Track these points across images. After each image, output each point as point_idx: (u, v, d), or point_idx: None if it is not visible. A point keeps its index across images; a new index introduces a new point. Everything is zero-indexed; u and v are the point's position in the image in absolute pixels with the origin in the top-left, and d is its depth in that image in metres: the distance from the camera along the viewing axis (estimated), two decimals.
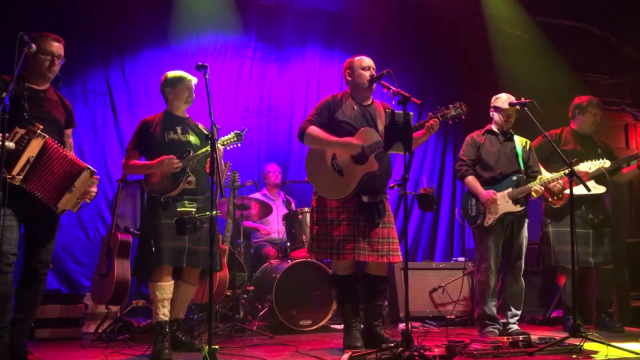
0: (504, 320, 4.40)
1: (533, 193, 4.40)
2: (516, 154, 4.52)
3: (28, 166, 3.24)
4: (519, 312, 4.46)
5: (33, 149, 3.26)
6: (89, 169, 3.45)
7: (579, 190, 4.31)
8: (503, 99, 4.55)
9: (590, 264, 4.77)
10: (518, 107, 4.46)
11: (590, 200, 4.75)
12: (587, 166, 4.54)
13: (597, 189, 4.73)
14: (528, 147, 4.62)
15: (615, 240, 4.93)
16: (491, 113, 4.65)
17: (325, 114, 3.96)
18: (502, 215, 4.39)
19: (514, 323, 4.40)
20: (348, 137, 3.84)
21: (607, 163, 4.59)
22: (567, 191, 4.28)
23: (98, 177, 3.54)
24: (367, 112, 3.98)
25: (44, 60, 3.47)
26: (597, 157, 4.69)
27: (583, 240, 4.75)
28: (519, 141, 4.60)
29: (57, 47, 3.53)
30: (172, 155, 3.82)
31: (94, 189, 3.54)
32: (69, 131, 3.68)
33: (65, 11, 5.80)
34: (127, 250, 4.66)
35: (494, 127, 4.63)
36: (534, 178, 4.48)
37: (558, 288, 5.00)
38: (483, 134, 4.63)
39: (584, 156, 4.69)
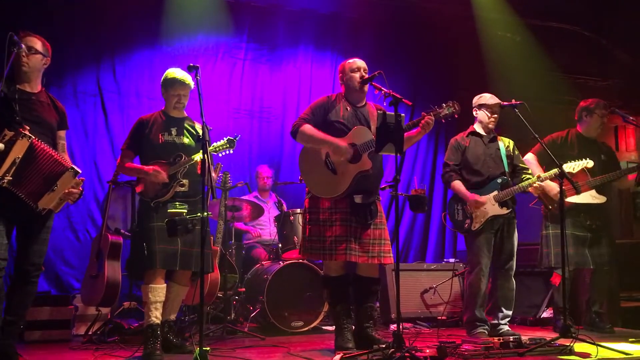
0: (495, 322, 4.41)
1: (532, 190, 4.42)
2: (501, 155, 4.53)
3: (14, 167, 3.22)
4: (510, 313, 4.48)
5: (19, 150, 3.23)
6: (72, 169, 3.41)
7: (580, 199, 4.42)
8: (487, 97, 4.58)
9: (589, 265, 4.79)
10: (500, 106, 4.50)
11: (588, 208, 4.76)
12: (570, 166, 4.54)
13: (598, 198, 4.75)
14: (512, 147, 4.64)
15: (613, 244, 4.96)
16: (474, 113, 4.64)
17: (321, 112, 3.96)
18: (489, 219, 4.39)
19: (505, 324, 4.41)
20: (341, 139, 3.84)
21: (590, 163, 4.58)
22: (568, 199, 4.36)
23: (83, 178, 3.50)
24: (360, 113, 3.99)
25: (17, 54, 3.40)
26: (600, 165, 4.71)
27: (581, 243, 4.77)
28: (503, 142, 4.61)
29: (25, 39, 3.44)
30: (162, 170, 3.81)
31: (77, 190, 3.48)
32: (61, 133, 3.65)
33: (56, 12, 5.77)
34: (118, 251, 4.63)
35: (477, 128, 4.62)
36: (522, 175, 4.50)
37: (549, 288, 5.02)
38: (467, 136, 4.62)
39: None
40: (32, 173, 3.29)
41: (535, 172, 4.76)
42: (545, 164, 4.86)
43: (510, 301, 4.47)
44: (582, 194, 4.26)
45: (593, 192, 4.70)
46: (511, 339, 3.70)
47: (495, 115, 4.56)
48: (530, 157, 4.90)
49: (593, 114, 4.97)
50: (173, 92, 3.99)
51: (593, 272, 4.88)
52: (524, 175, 4.53)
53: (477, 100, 4.64)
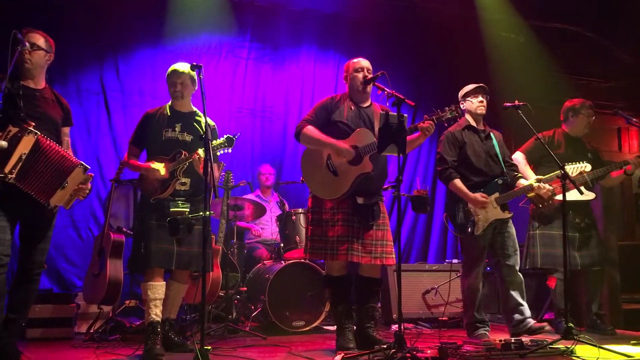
0: (521, 317, 4.24)
1: (530, 194, 4.38)
2: (496, 152, 4.45)
3: (20, 163, 3.22)
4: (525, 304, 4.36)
5: (25, 146, 3.23)
6: (82, 165, 3.42)
7: (570, 196, 4.33)
8: (469, 86, 4.54)
9: (577, 266, 4.79)
10: (483, 94, 4.48)
11: (576, 205, 4.76)
12: (568, 169, 4.49)
13: (587, 195, 4.75)
14: (502, 141, 4.58)
15: (602, 243, 4.96)
16: (462, 106, 4.49)
17: (323, 114, 3.97)
18: (491, 223, 4.31)
19: (530, 317, 4.26)
20: (342, 142, 3.84)
21: (587, 167, 4.58)
22: (558, 197, 4.29)
23: (92, 174, 3.52)
24: (364, 114, 3.99)
25: (21, 52, 3.40)
26: (586, 161, 4.71)
27: (569, 244, 4.76)
28: (495, 137, 4.54)
29: (28, 35, 3.44)
30: (158, 169, 3.80)
31: (88, 186, 3.50)
32: (66, 130, 3.66)
33: (59, 11, 5.78)
34: (120, 250, 4.64)
35: (469, 120, 4.51)
36: (514, 173, 4.44)
37: (549, 290, 5.02)
38: (463, 130, 4.46)
39: (574, 160, 4.69)
40: (40, 169, 3.30)
41: (524, 171, 4.75)
42: (534, 163, 4.85)
43: (523, 292, 4.35)
44: (572, 191, 4.22)
45: (582, 188, 4.69)
46: (512, 340, 3.69)
47: (481, 99, 4.48)
48: (518, 156, 4.88)
49: (579, 115, 4.97)
50: (170, 81, 4.01)
51: (585, 274, 4.88)
52: (515, 173, 4.46)
53: (460, 94, 4.58)
